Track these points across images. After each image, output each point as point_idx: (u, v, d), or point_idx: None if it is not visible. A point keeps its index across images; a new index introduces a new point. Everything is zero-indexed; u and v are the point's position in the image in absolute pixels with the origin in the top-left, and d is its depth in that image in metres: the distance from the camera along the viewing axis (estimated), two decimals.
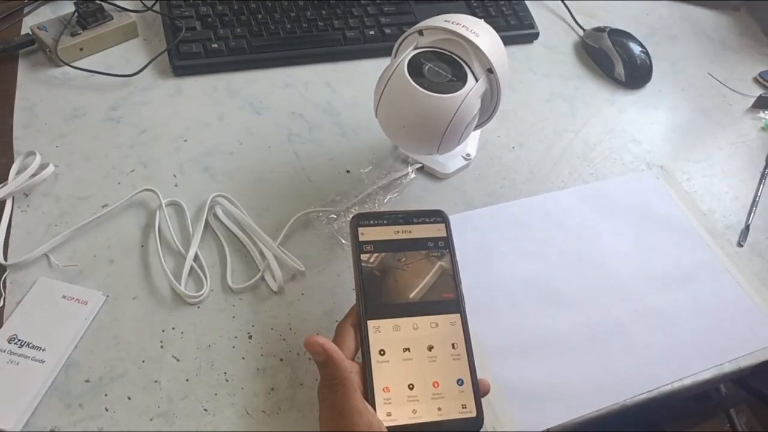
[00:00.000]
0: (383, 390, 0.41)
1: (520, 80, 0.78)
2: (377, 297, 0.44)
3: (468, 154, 0.66)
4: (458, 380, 0.42)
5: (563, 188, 0.66)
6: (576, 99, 0.77)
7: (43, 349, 0.47)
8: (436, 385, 0.42)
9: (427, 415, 0.41)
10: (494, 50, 0.54)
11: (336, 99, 0.70)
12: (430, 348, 0.43)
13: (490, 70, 0.54)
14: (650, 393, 0.52)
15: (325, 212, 0.59)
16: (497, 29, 0.57)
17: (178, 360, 0.49)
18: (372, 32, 0.75)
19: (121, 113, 0.65)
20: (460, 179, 0.65)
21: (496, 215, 0.63)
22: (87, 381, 0.47)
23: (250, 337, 0.51)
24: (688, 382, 0.53)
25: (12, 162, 0.57)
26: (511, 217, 0.63)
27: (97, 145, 0.61)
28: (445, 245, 0.47)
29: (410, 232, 0.47)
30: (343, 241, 0.57)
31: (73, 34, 0.67)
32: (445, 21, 0.55)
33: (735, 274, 0.61)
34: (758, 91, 0.82)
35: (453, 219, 0.49)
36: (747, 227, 0.66)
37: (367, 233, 0.47)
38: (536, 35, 0.82)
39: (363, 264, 0.45)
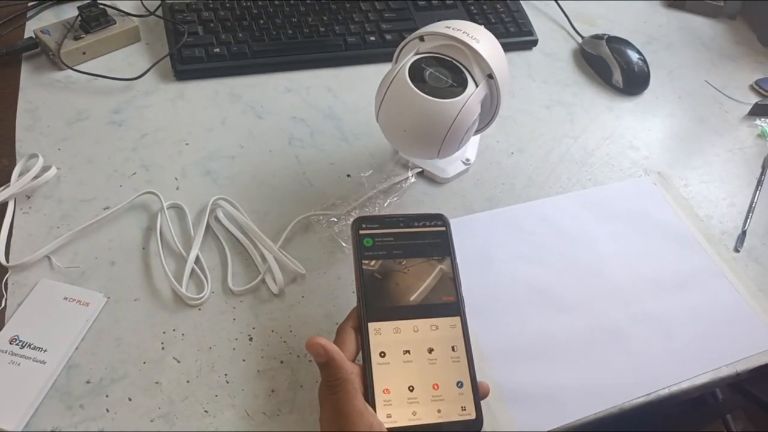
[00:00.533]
0: (383, 391, 0.41)
1: (520, 86, 0.78)
2: (378, 299, 0.44)
3: (468, 159, 0.66)
4: (458, 382, 0.43)
5: (562, 193, 0.67)
6: (574, 105, 0.77)
7: (45, 350, 0.47)
8: (435, 387, 0.42)
9: (427, 416, 0.41)
10: (494, 56, 0.55)
11: (337, 104, 0.71)
12: (430, 350, 0.43)
13: (491, 76, 0.55)
14: (648, 396, 0.53)
15: (326, 216, 0.59)
16: (497, 36, 0.58)
17: (178, 361, 0.49)
18: (373, 38, 0.75)
19: (123, 117, 0.65)
20: (459, 184, 0.66)
21: (495, 219, 0.63)
22: (88, 382, 0.47)
23: (251, 339, 0.51)
24: (685, 385, 0.54)
25: (14, 164, 0.58)
26: (509, 221, 0.63)
27: (100, 148, 0.62)
28: (445, 249, 0.47)
29: (411, 235, 0.48)
30: (344, 245, 0.58)
31: (76, 38, 0.67)
32: (446, 27, 0.55)
33: (732, 279, 0.62)
34: (754, 99, 0.82)
35: (452, 223, 0.49)
36: (744, 233, 0.67)
37: (369, 236, 0.47)
38: (535, 42, 0.83)
39: (364, 267, 0.46)
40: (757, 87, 0.85)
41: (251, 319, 0.52)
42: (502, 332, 0.55)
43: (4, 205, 0.55)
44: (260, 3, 0.75)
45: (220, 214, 0.58)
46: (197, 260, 0.55)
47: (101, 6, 0.69)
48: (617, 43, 0.81)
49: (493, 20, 0.81)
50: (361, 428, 0.38)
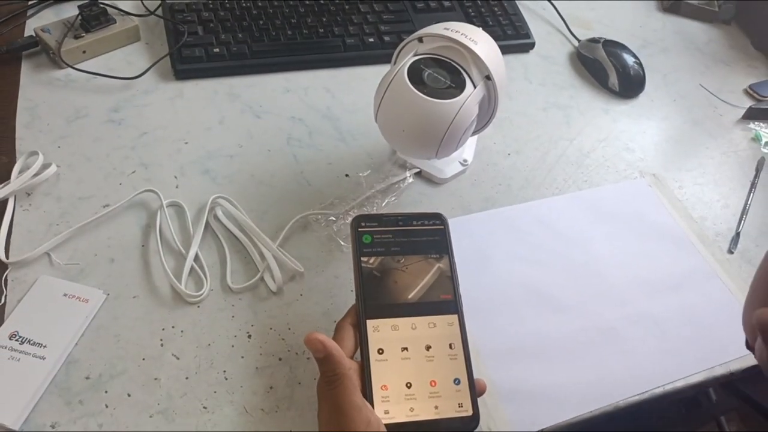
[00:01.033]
0: (381, 388, 0.42)
1: (517, 89, 0.79)
2: (376, 297, 0.45)
3: (465, 160, 0.67)
4: (455, 379, 0.43)
5: (558, 194, 0.68)
6: (571, 108, 0.78)
7: (44, 346, 0.47)
8: (433, 383, 0.43)
9: (424, 413, 0.42)
10: (492, 58, 0.55)
11: (335, 104, 0.72)
12: (428, 348, 0.44)
13: (488, 77, 0.55)
14: (642, 395, 0.53)
15: (324, 215, 0.59)
16: (494, 38, 0.58)
17: (177, 358, 0.49)
18: (371, 39, 0.76)
19: (122, 115, 0.65)
20: (456, 184, 0.66)
21: (491, 220, 0.64)
22: (87, 378, 0.47)
23: (249, 336, 0.52)
24: (680, 384, 0.54)
25: (14, 162, 0.58)
26: (506, 222, 0.64)
27: (99, 146, 0.62)
28: (443, 247, 0.48)
29: (410, 233, 0.48)
30: (342, 244, 0.58)
31: (76, 37, 0.68)
32: (445, 29, 0.56)
33: (725, 280, 0.63)
34: (748, 103, 0.83)
35: (450, 223, 0.49)
36: (737, 234, 0.67)
37: (368, 234, 0.47)
38: (532, 45, 0.84)
39: (363, 264, 0.46)
40: (751, 91, 0.86)
41: (250, 317, 0.53)
42: (499, 331, 0.55)
43: (4, 202, 0.55)
44: (260, 4, 0.76)
45: (220, 213, 0.58)
46: (196, 258, 0.55)
47: (101, 5, 0.69)
48: (613, 47, 0.82)
49: (491, 23, 0.82)
50: (358, 424, 0.39)
